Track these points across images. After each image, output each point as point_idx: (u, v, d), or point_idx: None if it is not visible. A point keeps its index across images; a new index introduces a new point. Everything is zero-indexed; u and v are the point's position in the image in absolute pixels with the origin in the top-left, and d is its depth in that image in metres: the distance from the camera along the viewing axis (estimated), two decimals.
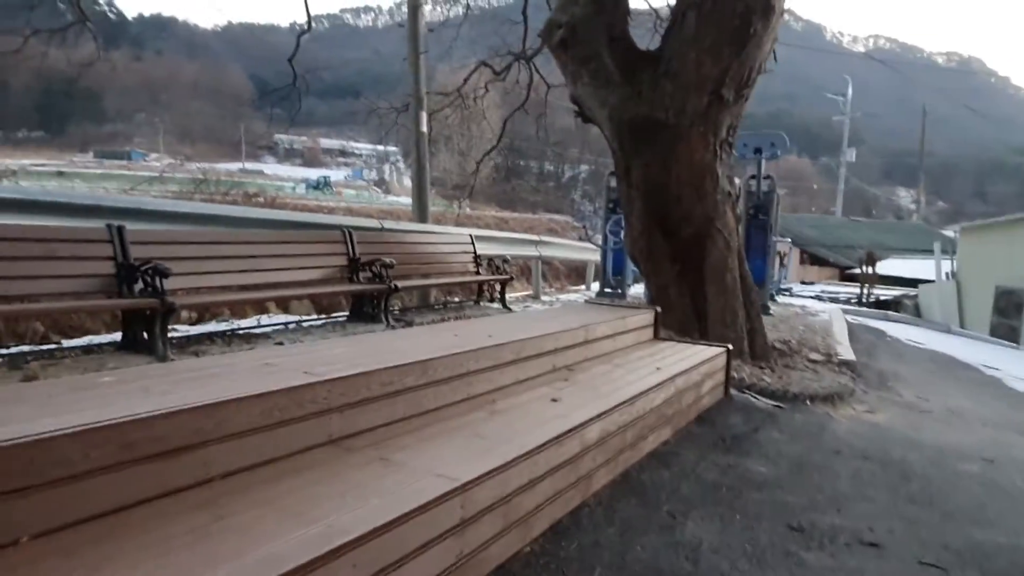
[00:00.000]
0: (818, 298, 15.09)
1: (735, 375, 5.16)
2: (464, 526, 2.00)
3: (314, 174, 50.94)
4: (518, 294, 10.37)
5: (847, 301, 15.60)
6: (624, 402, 3.15)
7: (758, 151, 9.60)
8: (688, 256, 6.05)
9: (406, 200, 32.13)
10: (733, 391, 5.00)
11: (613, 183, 8.84)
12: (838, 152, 45.35)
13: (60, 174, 27.10)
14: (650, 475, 3.25)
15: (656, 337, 5.21)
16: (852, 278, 23.81)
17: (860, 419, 4.84)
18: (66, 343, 4.33)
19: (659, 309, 5.36)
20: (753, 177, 9.63)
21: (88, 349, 3.92)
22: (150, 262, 3.77)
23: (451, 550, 1.95)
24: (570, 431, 2.65)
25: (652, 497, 3.00)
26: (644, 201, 6.08)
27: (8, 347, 4.22)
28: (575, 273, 18.32)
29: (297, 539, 1.64)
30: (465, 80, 11.10)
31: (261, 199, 15.39)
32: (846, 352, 6.95)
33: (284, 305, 7.44)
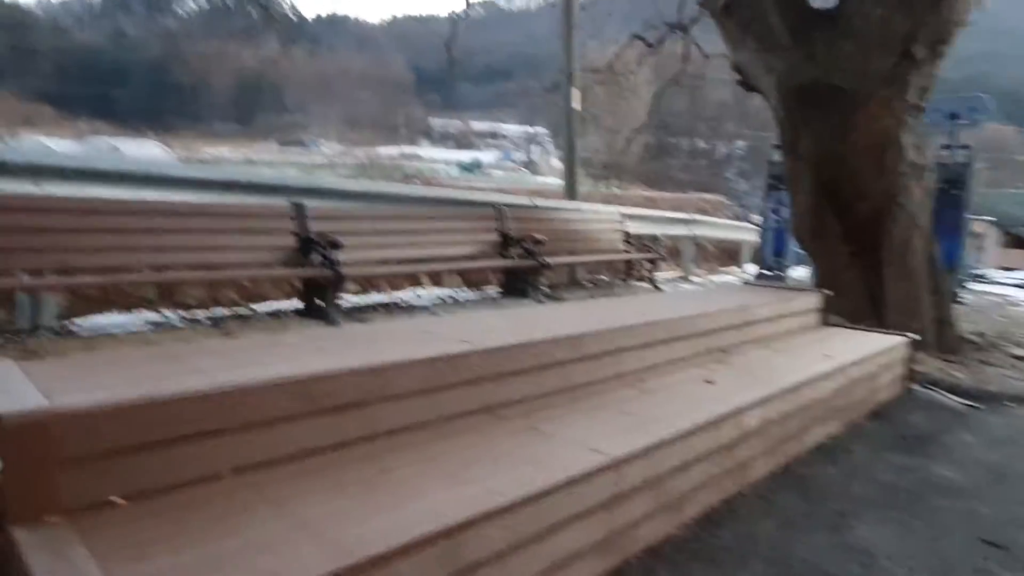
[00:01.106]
0: (1023, 287, 13.03)
1: (918, 368, 4.61)
2: (615, 502, 1.98)
3: (466, 156, 52.68)
4: (667, 274, 10.05)
5: None
6: (787, 389, 2.93)
7: (954, 117, 8.38)
8: (864, 236, 5.47)
9: (554, 180, 32.24)
10: (916, 386, 4.47)
11: (776, 157, 8.19)
12: None
13: (249, 161, 30.53)
14: (815, 470, 3.00)
15: (824, 323, 4.79)
16: None
17: None
18: (256, 308, 4.88)
19: (828, 293, 4.92)
20: (946, 146, 8.44)
21: (274, 314, 4.40)
22: (325, 236, 4.11)
23: (602, 524, 1.94)
24: (727, 415, 2.51)
25: (817, 493, 2.77)
26: (813, 175, 5.57)
27: (212, 311, 4.84)
28: (725, 254, 17.37)
29: (453, 497, 1.71)
30: (617, 55, 10.85)
31: (418, 180, 16.27)
32: None
33: (436, 279, 7.80)
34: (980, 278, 13.15)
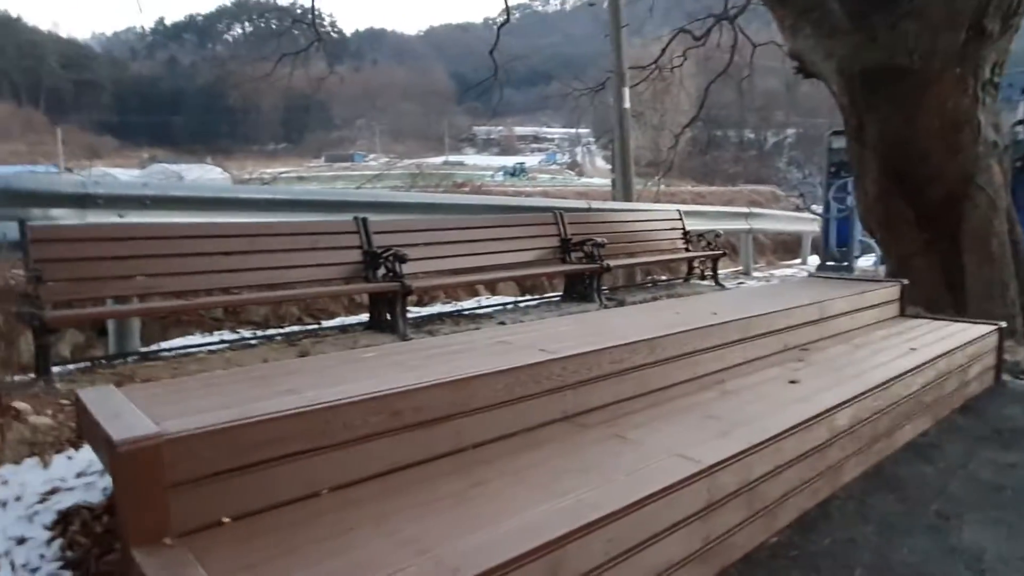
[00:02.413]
0: None
1: (1009, 358, 4.36)
2: (709, 510, 1.94)
3: (510, 161, 52.96)
4: (726, 271, 9.82)
5: None
6: (877, 386, 2.82)
7: None
8: (939, 221, 5.23)
9: (599, 181, 32.00)
10: (1007, 377, 4.24)
11: (835, 144, 7.89)
12: None
13: (301, 179, 31.33)
14: (908, 469, 2.88)
15: (903, 314, 4.59)
16: None
17: None
18: (325, 323, 5.00)
19: (905, 283, 4.71)
20: (1020, 123, 7.97)
21: (343, 329, 4.48)
22: (390, 249, 4.17)
23: (697, 534, 1.90)
24: (817, 416, 2.43)
25: (914, 494, 2.65)
26: (881, 161, 5.36)
27: (281, 327, 4.99)
28: (782, 247, 16.87)
29: (549, 510, 1.70)
30: (663, 49, 10.71)
31: (467, 188, 16.40)
32: None
33: (492, 287, 7.83)
34: None
